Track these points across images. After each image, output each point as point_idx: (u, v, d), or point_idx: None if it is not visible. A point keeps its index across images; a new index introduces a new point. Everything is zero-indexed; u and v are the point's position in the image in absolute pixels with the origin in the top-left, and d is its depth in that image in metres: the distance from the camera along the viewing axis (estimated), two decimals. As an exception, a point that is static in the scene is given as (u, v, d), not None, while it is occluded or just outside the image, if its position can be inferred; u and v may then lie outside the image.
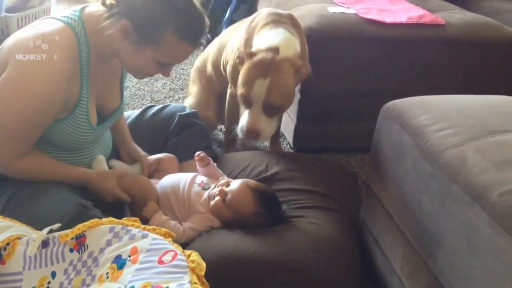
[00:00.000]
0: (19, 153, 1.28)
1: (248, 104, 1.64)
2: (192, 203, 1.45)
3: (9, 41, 1.29)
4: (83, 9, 1.33)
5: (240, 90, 1.64)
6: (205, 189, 1.48)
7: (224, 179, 1.52)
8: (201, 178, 1.53)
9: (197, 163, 1.58)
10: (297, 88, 2.10)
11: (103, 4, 1.29)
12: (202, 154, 1.56)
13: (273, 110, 1.64)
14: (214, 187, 1.48)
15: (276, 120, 1.70)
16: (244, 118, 1.67)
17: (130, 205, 1.49)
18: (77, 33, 1.29)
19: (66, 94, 1.29)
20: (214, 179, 1.55)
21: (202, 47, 1.33)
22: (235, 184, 1.46)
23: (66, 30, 1.28)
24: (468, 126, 1.17)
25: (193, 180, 1.50)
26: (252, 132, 1.64)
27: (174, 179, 1.52)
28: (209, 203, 1.44)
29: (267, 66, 1.58)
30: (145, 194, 1.46)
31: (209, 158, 1.58)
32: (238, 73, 1.69)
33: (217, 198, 1.42)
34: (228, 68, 1.88)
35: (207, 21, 1.34)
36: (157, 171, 1.61)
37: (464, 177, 1.03)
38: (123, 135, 1.66)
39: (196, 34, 1.32)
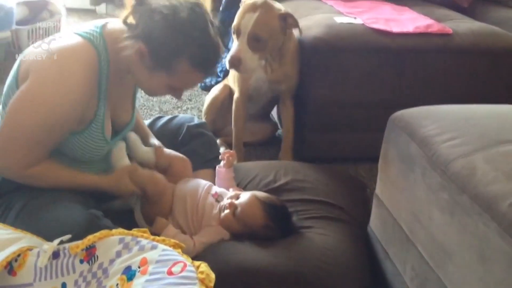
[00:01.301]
0: (29, 163, 1.29)
1: (237, 35, 1.86)
2: (205, 214, 1.45)
3: (29, 53, 1.31)
4: (104, 25, 1.35)
5: (233, 23, 1.88)
6: (218, 201, 1.48)
7: (234, 192, 1.52)
8: (215, 189, 1.53)
9: (222, 162, 1.61)
10: (304, 95, 2.11)
11: (124, 22, 1.31)
12: (233, 152, 1.63)
13: (257, 42, 1.84)
14: (224, 199, 1.48)
15: (258, 57, 1.88)
16: (232, 48, 1.87)
17: (141, 204, 1.49)
18: (98, 50, 1.30)
19: (82, 110, 1.31)
20: (227, 187, 1.56)
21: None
22: (245, 196, 1.45)
23: (87, 46, 1.29)
24: (476, 136, 1.16)
25: (208, 190, 1.51)
26: (234, 58, 1.84)
27: (193, 186, 1.52)
28: (220, 216, 1.44)
29: (258, 5, 1.85)
30: (160, 192, 1.47)
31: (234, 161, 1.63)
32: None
33: (227, 211, 1.42)
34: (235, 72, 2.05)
35: (222, 51, 1.36)
36: (169, 175, 1.58)
37: (474, 188, 1.02)
38: (143, 133, 1.67)
39: (209, 64, 1.35)
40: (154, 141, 1.65)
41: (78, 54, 1.27)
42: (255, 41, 1.84)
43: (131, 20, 1.30)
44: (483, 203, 0.99)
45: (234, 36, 1.89)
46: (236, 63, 1.84)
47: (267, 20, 1.84)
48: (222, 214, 1.43)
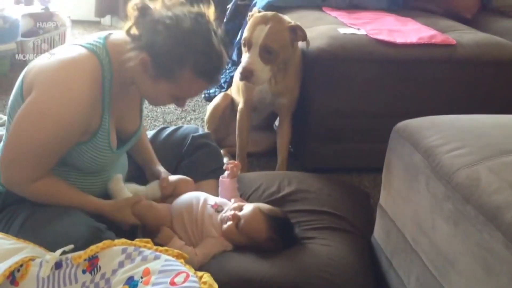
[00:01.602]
0: (35, 176, 1.29)
1: (248, 47, 1.86)
2: (205, 225, 1.44)
3: (34, 65, 1.32)
4: (107, 37, 1.36)
5: (243, 35, 1.90)
6: (218, 211, 1.47)
7: (237, 203, 1.51)
8: (214, 200, 1.52)
9: (226, 173, 1.62)
10: (308, 105, 2.11)
11: (128, 33, 1.31)
12: (237, 162, 1.63)
13: (269, 54, 1.85)
14: (227, 210, 1.47)
15: (269, 69, 1.89)
16: (243, 60, 1.88)
17: (142, 230, 1.48)
18: (101, 61, 1.31)
19: (87, 121, 1.31)
20: (228, 198, 1.55)
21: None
22: (248, 208, 1.45)
23: (91, 57, 1.30)
24: (480, 146, 1.16)
25: (206, 201, 1.50)
26: (246, 71, 1.84)
27: (187, 199, 1.52)
28: (222, 227, 1.44)
29: (269, 18, 1.87)
30: (160, 222, 1.45)
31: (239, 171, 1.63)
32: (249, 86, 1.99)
33: (230, 222, 1.42)
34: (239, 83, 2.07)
35: (225, 60, 1.37)
36: (172, 196, 1.58)
37: (478, 198, 1.02)
38: (147, 156, 1.67)
39: (212, 73, 1.35)
40: (160, 168, 1.64)
41: (82, 66, 1.28)
42: (266, 53, 1.85)
43: (134, 31, 1.31)
44: (487, 213, 0.98)
45: (244, 49, 1.90)
46: (248, 75, 1.84)
47: (278, 32, 1.86)
48: (225, 226, 1.43)
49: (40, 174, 1.30)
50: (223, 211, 1.47)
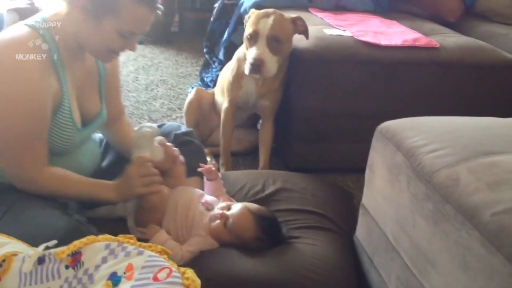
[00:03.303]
0: (35, 167, 1.31)
1: (255, 40, 1.89)
2: (195, 223, 1.44)
3: None
4: (47, 13, 1.38)
5: (247, 31, 1.92)
6: (208, 209, 1.48)
7: (225, 202, 1.52)
8: (206, 198, 1.53)
9: (204, 175, 1.60)
10: (293, 105, 2.13)
11: None
12: (208, 167, 1.60)
13: (276, 44, 1.89)
14: (215, 209, 1.48)
15: (276, 61, 1.91)
16: (251, 53, 1.89)
17: (135, 212, 1.48)
18: (43, 33, 1.33)
19: (49, 90, 1.32)
20: (217, 196, 1.56)
21: (160, 12, 1.39)
22: (236, 208, 1.45)
23: (31, 32, 1.32)
24: (460, 147, 1.18)
25: (198, 199, 1.51)
26: (257, 61, 1.85)
27: (186, 195, 1.52)
28: (209, 225, 1.44)
29: (270, 12, 1.93)
30: (160, 200, 1.48)
31: (218, 173, 1.61)
32: (236, 82, 2.04)
33: (218, 221, 1.42)
34: (228, 79, 2.09)
35: None
36: (169, 176, 1.58)
37: (457, 197, 1.04)
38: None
39: None
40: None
41: (24, 41, 1.30)
42: (274, 43, 1.89)
43: None
44: (466, 212, 1.00)
45: (248, 43, 1.92)
46: (259, 64, 1.86)
47: (282, 22, 1.92)
48: (213, 224, 1.43)
49: (38, 163, 1.32)
50: (213, 210, 1.48)
